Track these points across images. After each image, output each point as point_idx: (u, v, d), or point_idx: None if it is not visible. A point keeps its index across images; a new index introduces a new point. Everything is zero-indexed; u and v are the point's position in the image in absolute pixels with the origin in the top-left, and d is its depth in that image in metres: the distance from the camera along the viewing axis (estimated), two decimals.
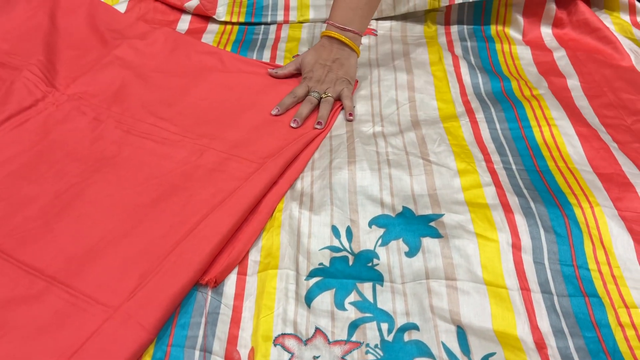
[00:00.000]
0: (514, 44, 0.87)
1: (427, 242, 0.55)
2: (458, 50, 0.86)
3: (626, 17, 0.88)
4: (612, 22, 0.87)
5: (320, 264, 0.54)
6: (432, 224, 0.57)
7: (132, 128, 0.69)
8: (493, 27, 0.90)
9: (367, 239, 0.56)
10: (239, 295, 0.52)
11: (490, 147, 0.67)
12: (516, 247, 0.54)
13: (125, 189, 0.61)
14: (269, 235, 0.57)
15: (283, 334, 0.47)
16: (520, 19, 0.89)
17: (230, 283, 0.53)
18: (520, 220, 0.56)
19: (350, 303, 0.51)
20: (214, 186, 0.61)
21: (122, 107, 0.73)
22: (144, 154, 0.66)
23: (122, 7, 0.94)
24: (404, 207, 0.59)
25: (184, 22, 0.95)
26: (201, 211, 0.58)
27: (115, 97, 0.75)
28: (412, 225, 0.57)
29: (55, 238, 0.55)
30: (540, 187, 0.61)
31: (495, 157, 0.65)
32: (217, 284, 0.52)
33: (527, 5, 0.88)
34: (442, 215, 0.58)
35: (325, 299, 0.51)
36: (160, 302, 0.49)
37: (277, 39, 0.91)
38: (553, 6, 0.88)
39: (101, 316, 0.48)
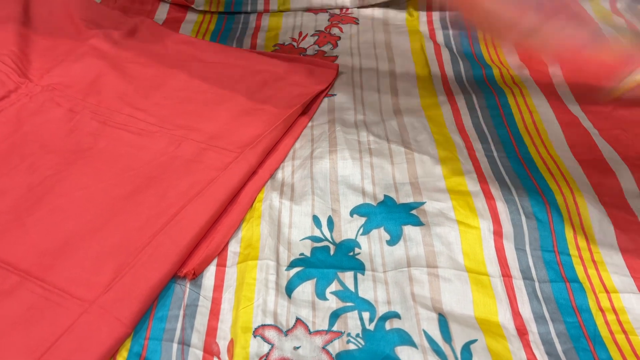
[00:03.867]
0: None
1: (409, 230, 0.55)
2: (440, 38, 0.86)
3: (606, 4, 0.88)
4: (593, 9, 0.87)
5: (301, 254, 0.53)
6: (414, 212, 0.56)
7: (108, 119, 0.68)
8: None
9: (349, 228, 0.56)
10: (218, 287, 0.51)
11: (472, 134, 0.67)
12: (497, 234, 0.54)
13: (101, 181, 0.60)
14: (249, 226, 0.56)
15: (263, 325, 0.47)
16: None
17: (210, 275, 0.52)
18: (501, 207, 0.56)
19: (332, 292, 0.50)
20: (192, 177, 0.60)
21: (97, 98, 0.71)
22: (120, 146, 0.64)
23: None
24: (385, 195, 0.59)
25: (162, 12, 0.93)
26: (178, 203, 0.57)
27: (90, 88, 0.73)
28: (394, 213, 0.56)
29: (28, 231, 0.54)
30: (521, 174, 0.61)
31: (477, 145, 0.65)
32: (195, 276, 0.51)
33: None
34: (423, 203, 0.57)
35: (306, 289, 0.50)
36: (137, 295, 0.48)
37: (257, 28, 0.90)
38: None
39: (76, 310, 0.47)
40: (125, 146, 0.64)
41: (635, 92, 0.53)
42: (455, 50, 0.83)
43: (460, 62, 0.79)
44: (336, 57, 0.82)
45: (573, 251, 0.53)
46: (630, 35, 0.81)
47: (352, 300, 0.50)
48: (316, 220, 0.56)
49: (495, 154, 0.64)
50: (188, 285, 0.50)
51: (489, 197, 0.57)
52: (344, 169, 0.62)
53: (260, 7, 0.94)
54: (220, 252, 0.53)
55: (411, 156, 0.63)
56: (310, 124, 0.71)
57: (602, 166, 0.61)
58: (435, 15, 0.90)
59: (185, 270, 0.51)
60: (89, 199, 0.58)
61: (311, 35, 0.87)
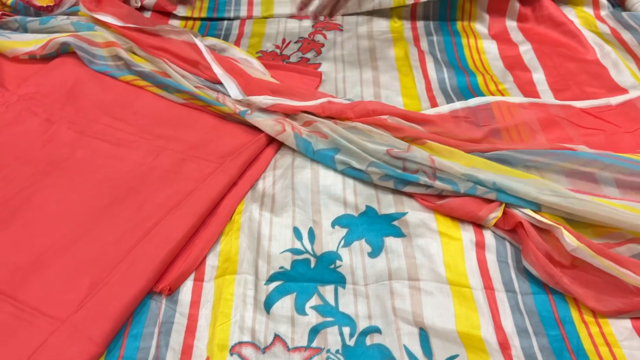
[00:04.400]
0: (480, 38, 0.86)
1: (390, 241, 0.54)
2: (424, 45, 0.85)
3: (590, 11, 0.88)
4: (577, 16, 0.86)
5: (281, 267, 0.52)
6: (395, 222, 0.56)
7: (85, 129, 0.66)
8: (459, 23, 0.89)
9: (330, 240, 0.55)
10: (195, 303, 0.49)
11: None
12: (480, 245, 0.54)
13: (77, 193, 0.59)
14: (228, 239, 0.55)
15: (240, 343, 0.46)
16: (485, 15, 0.88)
17: (186, 290, 0.50)
18: None
19: (312, 307, 0.49)
20: (170, 188, 0.59)
21: (75, 107, 0.70)
22: (97, 156, 0.63)
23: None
24: (367, 206, 0.58)
25: None
26: (156, 215, 0.56)
27: (68, 97, 0.71)
28: (375, 224, 0.55)
29: (0, 247, 0.52)
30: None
31: None
32: (171, 292, 0.50)
33: (491, 2, 0.88)
34: (405, 213, 0.56)
35: (285, 304, 0.49)
36: (110, 313, 0.47)
37: (240, 35, 0.89)
38: (517, 4, 0.87)
39: (47, 329, 0.46)
40: (102, 157, 0.63)
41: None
42: (439, 57, 0.82)
43: (445, 69, 0.79)
44: (320, 64, 0.81)
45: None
46: (615, 43, 0.80)
47: (333, 314, 0.49)
48: (297, 232, 0.55)
49: None
50: (164, 301, 0.49)
51: None
52: (326, 178, 0.61)
53: (243, 13, 0.93)
54: (198, 266, 0.52)
55: None
56: None
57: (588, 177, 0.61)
58: (420, 23, 0.89)
59: (161, 285, 0.50)
60: (65, 212, 0.57)
61: (295, 42, 0.86)
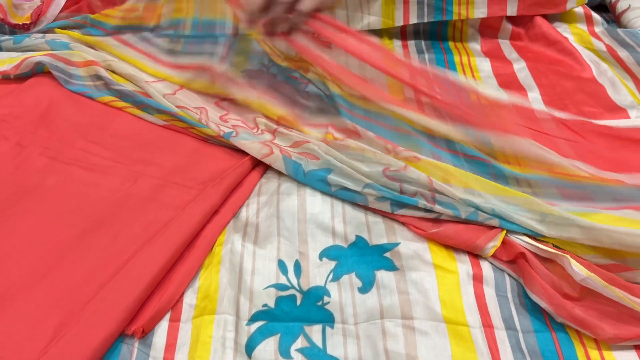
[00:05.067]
0: (473, 55, 0.83)
1: (382, 275, 0.50)
2: (415, 63, 0.82)
3: (584, 28, 0.85)
4: (571, 32, 0.84)
5: (264, 305, 0.48)
6: (387, 254, 0.52)
7: (58, 154, 0.63)
8: (450, 42, 0.86)
9: (317, 273, 0.51)
10: (171, 347, 0.46)
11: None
12: (477, 278, 0.50)
13: (47, 223, 0.55)
14: (207, 273, 0.51)
15: None
16: (477, 33, 0.86)
17: (161, 332, 0.47)
18: None
19: (297, 350, 0.45)
20: (147, 217, 0.55)
21: (49, 130, 0.66)
22: (70, 183, 0.59)
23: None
24: (357, 236, 0.54)
25: None
26: (131, 247, 0.52)
27: (42, 119, 0.67)
28: (366, 256, 0.52)
29: None
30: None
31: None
32: (145, 334, 0.46)
33: (484, 21, 0.85)
34: (397, 244, 0.53)
35: (268, 347, 0.45)
36: (77, 359, 0.43)
37: (225, 53, 0.85)
38: (509, 25, 0.85)
39: None
40: (75, 184, 0.59)
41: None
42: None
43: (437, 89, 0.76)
44: (309, 82, 0.78)
45: None
46: (611, 60, 0.78)
47: (320, 358, 0.45)
48: (282, 265, 0.52)
49: None
50: (136, 344, 0.45)
51: None
52: (314, 205, 0.57)
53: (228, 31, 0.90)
54: (174, 305, 0.48)
55: None
56: None
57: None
58: (411, 41, 0.87)
59: (133, 327, 0.46)
60: (33, 244, 0.53)
61: (282, 60, 0.83)
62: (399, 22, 0.84)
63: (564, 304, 0.46)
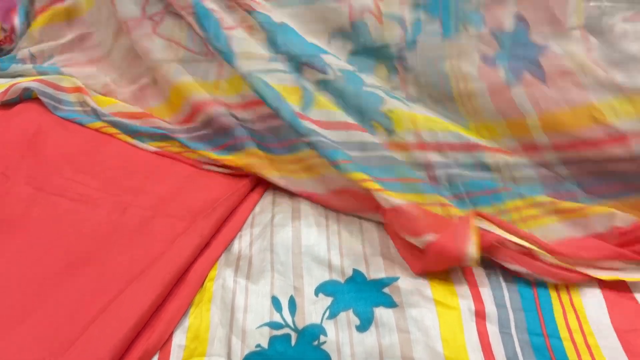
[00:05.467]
0: None
1: (381, 312, 0.48)
2: None
3: None
4: (571, 59, 0.84)
5: (258, 345, 0.46)
6: (386, 289, 0.50)
7: (45, 184, 0.60)
8: None
9: (313, 310, 0.49)
10: None
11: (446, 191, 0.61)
12: (479, 314, 0.48)
13: (31, 257, 0.52)
14: (198, 311, 0.49)
15: None
16: None
17: None
18: (482, 282, 0.50)
19: None
20: (135, 252, 0.53)
21: (35, 159, 0.64)
22: (56, 215, 0.57)
23: None
24: (354, 270, 0.52)
25: None
26: (118, 284, 0.49)
27: (28, 147, 0.66)
28: (364, 292, 0.50)
29: None
30: None
31: (452, 201, 0.60)
32: None
33: None
34: (396, 278, 0.51)
35: None
36: None
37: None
38: None
39: None
40: (61, 215, 0.57)
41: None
42: None
43: None
44: None
45: (564, 334, 0.47)
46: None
47: None
48: (276, 302, 0.49)
49: None
50: None
51: (467, 270, 0.51)
52: (309, 237, 0.55)
53: None
54: (163, 346, 0.46)
55: (382, 221, 0.57)
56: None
57: None
58: None
59: None
60: (15, 280, 0.50)
61: None
62: None
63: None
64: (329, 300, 0.50)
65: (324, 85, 0.61)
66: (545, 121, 0.53)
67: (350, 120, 0.59)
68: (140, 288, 0.48)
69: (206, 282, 0.51)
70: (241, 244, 0.56)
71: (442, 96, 0.58)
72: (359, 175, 0.54)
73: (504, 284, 0.50)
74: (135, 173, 0.63)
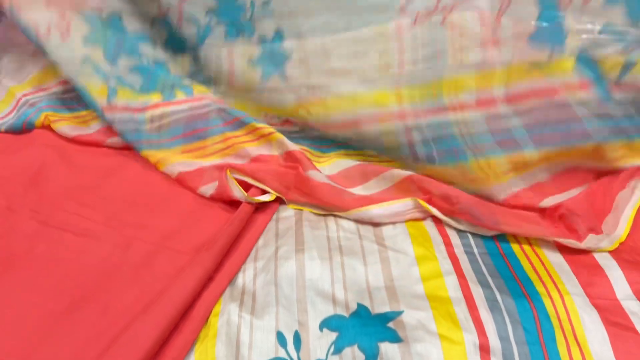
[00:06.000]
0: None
1: (386, 347, 0.48)
2: None
3: None
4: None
5: None
6: (391, 324, 0.50)
7: (49, 218, 0.61)
8: None
9: (318, 345, 0.49)
10: None
11: (449, 227, 0.62)
12: (484, 349, 0.48)
13: (34, 294, 0.52)
14: (203, 347, 0.49)
15: None
16: None
17: None
18: (486, 317, 0.50)
19: None
20: (139, 287, 0.53)
21: (40, 193, 0.64)
22: (60, 250, 0.57)
23: None
24: (358, 304, 0.52)
25: None
26: (122, 320, 0.50)
27: (33, 181, 0.66)
28: (369, 327, 0.50)
29: None
30: (505, 274, 0.56)
31: (455, 240, 0.60)
32: None
33: None
34: (401, 312, 0.51)
35: None
36: None
37: None
38: None
39: None
40: (65, 251, 0.57)
41: None
42: None
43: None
44: None
45: None
46: None
47: None
48: (281, 337, 0.49)
49: (475, 250, 0.59)
50: None
51: (471, 304, 0.51)
52: (312, 271, 0.56)
53: None
54: None
55: (385, 254, 0.58)
56: (275, 216, 0.65)
57: (590, 261, 0.57)
58: None
59: None
60: (19, 318, 0.50)
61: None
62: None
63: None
64: (333, 336, 0.50)
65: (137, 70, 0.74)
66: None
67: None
68: (145, 324, 0.48)
69: (211, 318, 0.51)
70: (245, 277, 0.56)
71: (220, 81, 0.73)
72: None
73: (507, 318, 0.51)
74: (139, 207, 0.64)
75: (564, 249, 0.58)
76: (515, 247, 0.59)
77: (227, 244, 0.58)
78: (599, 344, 0.49)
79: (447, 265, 0.56)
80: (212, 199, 0.66)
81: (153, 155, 0.71)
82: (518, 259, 0.58)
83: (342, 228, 0.62)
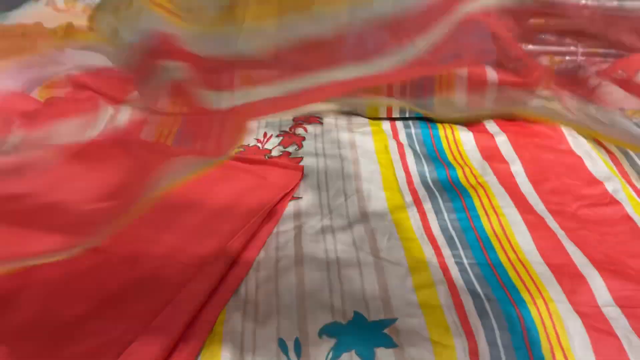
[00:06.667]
0: (457, 129, 0.88)
1: (381, 353, 0.51)
2: (402, 137, 0.87)
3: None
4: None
5: None
6: (386, 331, 0.53)
7: None
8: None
9: (318, 352, 0.52)
10: None
11: (440, 239, 0.65)
12: (473, 352, 0.51)
13: (44, 308, 0.55)
14: (209, 353, 0.52)
15: None
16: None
17: None
18: (475, 323, 0.54)
19: None
20: (148, 298, 0.56)
21: None
22: (68, 265, 0.60)
23: None
24: (355, 312, 0.56)
25: (123, 114, 0.92)
26: (132, 330, 0.52)
27: None
28: (365, 334, 0.53)
29: None
30: (493, 284, 0.59)
31: (446, 251, 0.64)
32: None
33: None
34: (395, 320, 0.54)
35: None
36: None
37: None
38: None
39: None
40: (73, 265, 0.60)
41: None
42: (418, 149, 0.83)
43: (424, 162, 0.80)
44: (301, 158, 0.81)
45: None
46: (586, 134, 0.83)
47: None
48: (282, 344, 0.52)
49: (465, 260, 0.62)
50: None
51: (461, 311, 0.55)
52: (312, 282, 0.59)
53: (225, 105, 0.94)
54: None
55: (380, 265, 0.61)
56: (275, 230, 0.68)
57: (573, 271, 0.60)
58: (396, 114, 0.92)
59: None
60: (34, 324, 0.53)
61: (276, 136, 0.87)
62: (383, 114, 0.90)
63: None
64: (332, 342, 0.53)
65: None
66: None
67: None
68: (154, 334, 0.51)
69: (216, 326, 0.54)
70: (247, 287, 0.59)
71: None
72: None
73: (495, 324, 0.54)
74: (143, 225, 0.67)
75: (549, 259, 0.62)
76: (502, 258, 0.63)
77: (230, 258, 0.61)
78: (582, 349, 0.52)
79: (438, 275, 0.60)
80: None
81: None
82: (505, 269, 0.61)
83: (339, 241, 0.65)
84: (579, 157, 0.79)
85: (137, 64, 0.50)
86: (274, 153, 0.83)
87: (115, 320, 0.54)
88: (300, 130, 0.88)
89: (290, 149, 0.83)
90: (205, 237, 0.65)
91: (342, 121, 0.90)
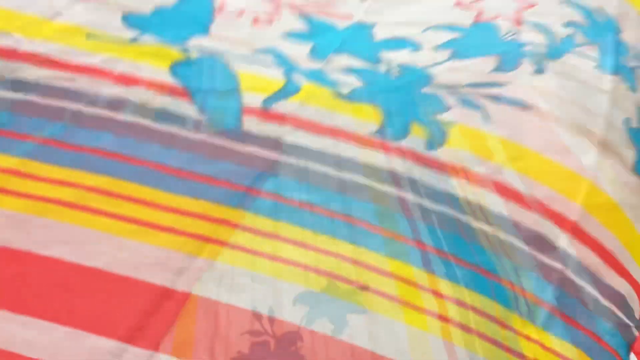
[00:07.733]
0: None
1: (353, 318, 0.52)
2: None
3: None
4: None
5: (239, 351, 0.50)
6: (358, 298, 0.54)
7: None
8: None
9: (291, 318, 0.53)
10: None
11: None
12: (443, 319, 0.53)
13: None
14: (183, 322, 0.52)
15: None
16: None
17: None
18: (446, 290, 0.55)
19: None
20: None
21: None
22: None
23: None
24: (328, 281, 0.57)
25: None
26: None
27: None
28: (338, 301, 0.54)
29: None
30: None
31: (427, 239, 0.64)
32: None
33: None
34: (367, 287, 0.55)
35: None
36: None
37: None
38: None
39: None
40: None
41: None
42: None
43: None
44: None
45: None
46: None
47: None
48: (256, 312, 0.53)
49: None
50: None
51: (432, 279, 0.56)
52: (287, 254, 0.59)
53: None
54: None
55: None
56: None
57: None
58: None
59: None
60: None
61: None
62: None
63: None
64: (305, 309, 0.54)
65: None
66: None
67: None
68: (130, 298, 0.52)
69: (191, 296, 0.55)
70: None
71: None
72: None
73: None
74: None
75: None
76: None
77: None
78: None
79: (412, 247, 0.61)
80: None
81: None
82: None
83: None
84: None
85: None
86: None
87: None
88: None
89: None
90: None
91: None
